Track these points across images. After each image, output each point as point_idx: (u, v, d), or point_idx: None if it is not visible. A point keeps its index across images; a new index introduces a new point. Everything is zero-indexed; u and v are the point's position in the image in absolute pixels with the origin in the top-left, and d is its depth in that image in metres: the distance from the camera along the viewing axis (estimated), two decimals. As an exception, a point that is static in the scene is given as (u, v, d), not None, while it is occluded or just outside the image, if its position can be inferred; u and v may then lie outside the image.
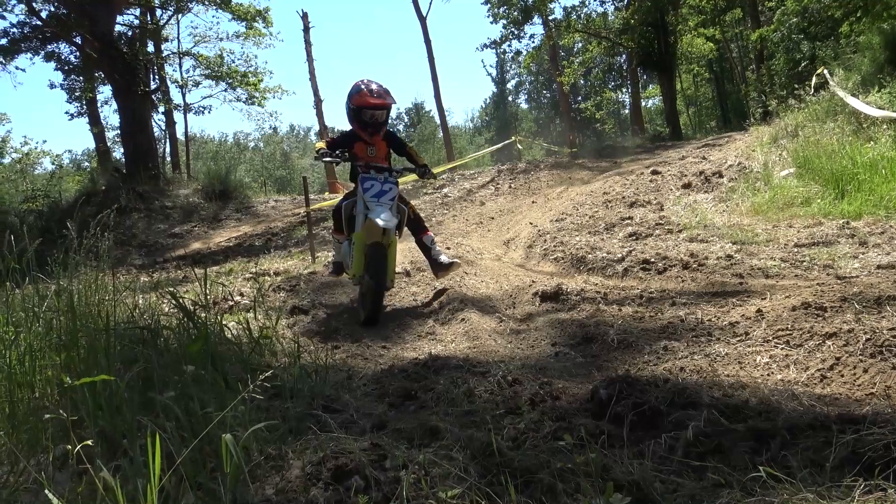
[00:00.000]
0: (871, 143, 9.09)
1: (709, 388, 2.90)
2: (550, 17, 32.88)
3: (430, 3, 72.81)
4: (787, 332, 3.88)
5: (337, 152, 6.15)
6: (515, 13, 32.51)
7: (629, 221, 8.53)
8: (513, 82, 70.10)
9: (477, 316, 5.41)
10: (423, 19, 32.37)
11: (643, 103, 41.66)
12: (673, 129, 27.38)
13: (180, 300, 3.29)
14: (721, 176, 10.58)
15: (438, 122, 41.65)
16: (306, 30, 30.35)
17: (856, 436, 2.31)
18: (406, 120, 71.61)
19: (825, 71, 13.13)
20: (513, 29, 32.91)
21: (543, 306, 5.52)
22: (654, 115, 46.50)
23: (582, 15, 32.49)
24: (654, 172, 11.90)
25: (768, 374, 3.49)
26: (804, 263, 5.56)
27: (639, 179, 11.76)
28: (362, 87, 6.27)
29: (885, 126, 9.27)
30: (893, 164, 7.97)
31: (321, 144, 6.36)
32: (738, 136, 14.97)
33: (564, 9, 34.64)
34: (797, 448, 2.37)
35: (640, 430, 2.69)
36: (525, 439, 2.67)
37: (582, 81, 45.67)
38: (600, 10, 33.26)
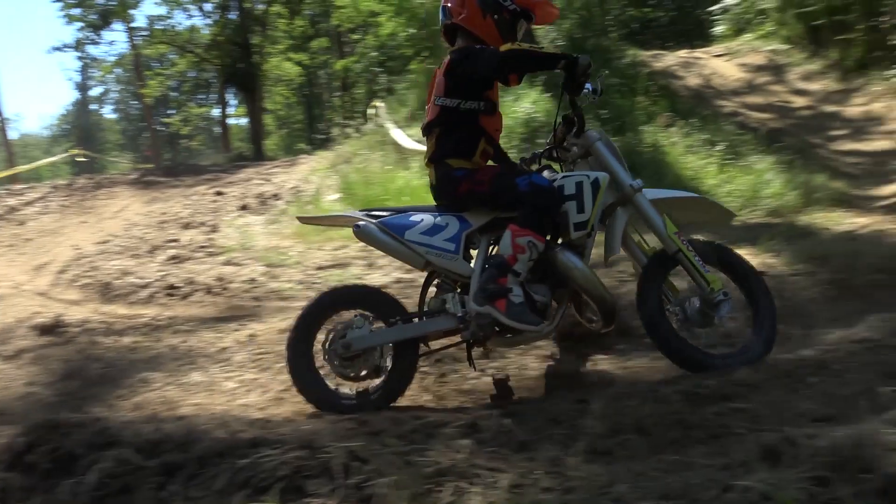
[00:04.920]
0: (406, 171, 10.12)
1: (141, 423, 2.84)
2: (133, 25, 31.15)
3: (-7, -8, 64.31)
4: (265, 356, 4.04)
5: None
6: (93, 16, 30.15)
7: (175, 244, 8.30)
8: (97, 89, 64.28)
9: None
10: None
11: (235, 121, 41.62)
12: (257, 148, 27.77)
13: None
14: (279, 198, 10.89)
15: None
16: None
17: (253, 459, 2.43)
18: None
19: (378, 103, 14.37)
20: (90, 33, 30.46)
21: (41, 340, 5.00)
22: (246, 133, 46.66)
23: (167, 26, 31.31)
24: (218, 193, 11.83)
25: (232, 400, 3.58)
26: (317, 285, 5.89)
27: (202, 199, 11.57)
28: None
29: (418, 157, 10.40)
30: (416, 190, 8.94)
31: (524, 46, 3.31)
32: (304, 160, 15.59)
33: (148, 17, 33.14)
34: (204, 477, 2.42)
35: (56, 478, 2.53)
36: None
37: (175, 94, 44.05)
38: (188, 22, 32.33)
